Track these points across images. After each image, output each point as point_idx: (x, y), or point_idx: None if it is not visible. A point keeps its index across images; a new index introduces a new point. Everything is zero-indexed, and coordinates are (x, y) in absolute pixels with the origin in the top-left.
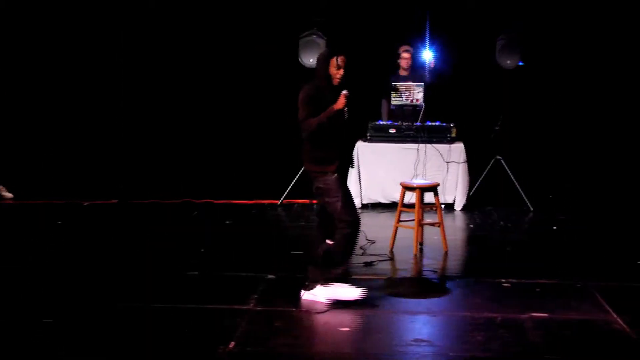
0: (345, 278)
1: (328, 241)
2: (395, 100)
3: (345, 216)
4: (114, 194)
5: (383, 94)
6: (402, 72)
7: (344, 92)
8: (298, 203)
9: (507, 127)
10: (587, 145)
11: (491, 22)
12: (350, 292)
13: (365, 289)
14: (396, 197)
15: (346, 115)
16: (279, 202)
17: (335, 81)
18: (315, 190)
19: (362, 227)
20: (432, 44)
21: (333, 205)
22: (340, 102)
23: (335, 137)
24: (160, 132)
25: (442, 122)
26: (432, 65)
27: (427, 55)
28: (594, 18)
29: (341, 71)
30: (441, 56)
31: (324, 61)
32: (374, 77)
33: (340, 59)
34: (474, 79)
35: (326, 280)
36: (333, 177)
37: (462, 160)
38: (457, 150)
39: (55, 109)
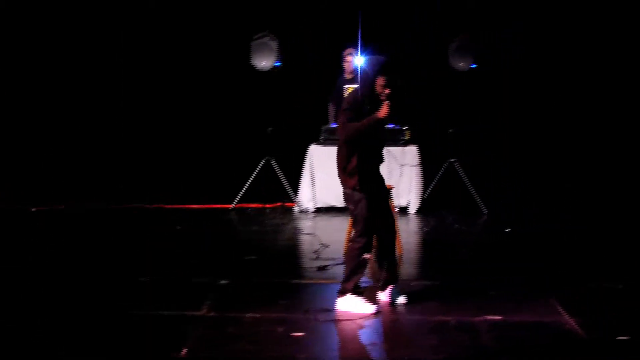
0: (360, 292)
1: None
2: None
3: (363, 230)
4: (62, 199)
5: (330, 97)
6: (347, 76)
7: (387, 102)
8: (251, 207)
9: (461, 130)
10: (540, 146)
11: (445, 24)
12: (362, 308)
13: (376, 306)
14: None
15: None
16: (232, 206)
17: (382, 97)
18: (344, 196)
19: (316, 231)
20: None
21: (354, 216)
22: (383, 111)
23: (373, 151)
24: (113, 136)
25: (395, 124)
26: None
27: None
28: (546, 18)
29: (387, 90)
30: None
31: (370, 79)
32: (324, 80)
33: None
34: (427, 82)
35: (342, 292)
36: (360, 194)
37: (415, 163)
38: (411, 153)
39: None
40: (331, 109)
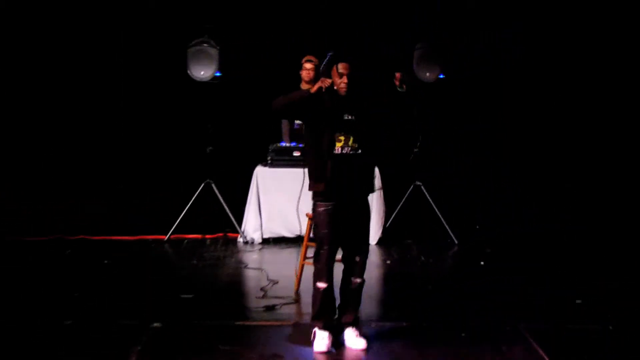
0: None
1: (354, 279)
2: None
3: (317, 251)
4: None
5: None
6: (304, 86)
7: (325, 79)
8: (188, 239)
9: (427, 149)
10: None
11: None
12: (317, 344)
13: (327, 344)
14: (302, 230)
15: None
16: (166, 237)
17: (341, 90)
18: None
19: (264, 265)
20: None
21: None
22: (315, 86)
23: (325, 152)
24: (28, 159)
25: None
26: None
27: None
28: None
29: (344, 79)
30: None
31: (327, 69)
32: (274, 92)
33: (340, 66)
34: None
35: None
36: (321, 209)
37: (377, 187)
38: None
39: None
40: (285, 125)
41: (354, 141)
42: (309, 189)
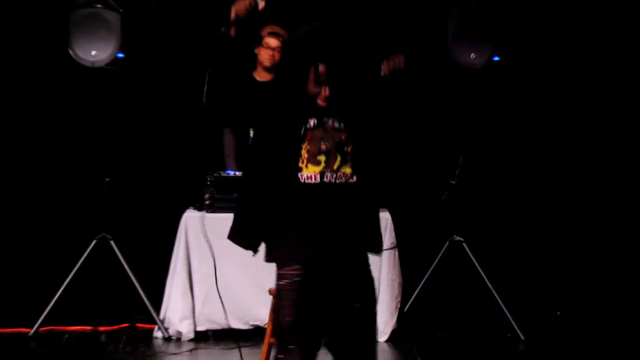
0: None
1: None
2: None
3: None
4: None
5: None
6: (262, 75)
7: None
8: (70, 332)
9: (470, 181)
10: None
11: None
12: None
13: None
14: (261, 317)
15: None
16: (32, 330)
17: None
18: None
19: None
20: None
21: None
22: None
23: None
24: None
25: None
26: None
27: None
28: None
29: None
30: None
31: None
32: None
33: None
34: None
35: None
36: (283, 281)
37: (388, 245)
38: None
39: None
40: (228, 140)
41: (342, 163)
42: (228, 238)
